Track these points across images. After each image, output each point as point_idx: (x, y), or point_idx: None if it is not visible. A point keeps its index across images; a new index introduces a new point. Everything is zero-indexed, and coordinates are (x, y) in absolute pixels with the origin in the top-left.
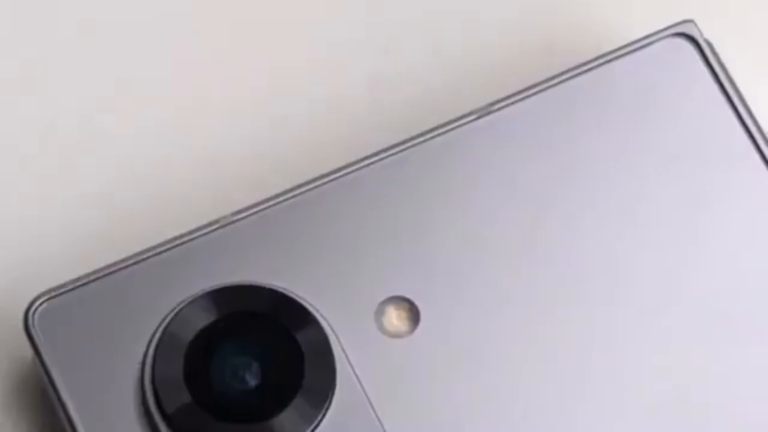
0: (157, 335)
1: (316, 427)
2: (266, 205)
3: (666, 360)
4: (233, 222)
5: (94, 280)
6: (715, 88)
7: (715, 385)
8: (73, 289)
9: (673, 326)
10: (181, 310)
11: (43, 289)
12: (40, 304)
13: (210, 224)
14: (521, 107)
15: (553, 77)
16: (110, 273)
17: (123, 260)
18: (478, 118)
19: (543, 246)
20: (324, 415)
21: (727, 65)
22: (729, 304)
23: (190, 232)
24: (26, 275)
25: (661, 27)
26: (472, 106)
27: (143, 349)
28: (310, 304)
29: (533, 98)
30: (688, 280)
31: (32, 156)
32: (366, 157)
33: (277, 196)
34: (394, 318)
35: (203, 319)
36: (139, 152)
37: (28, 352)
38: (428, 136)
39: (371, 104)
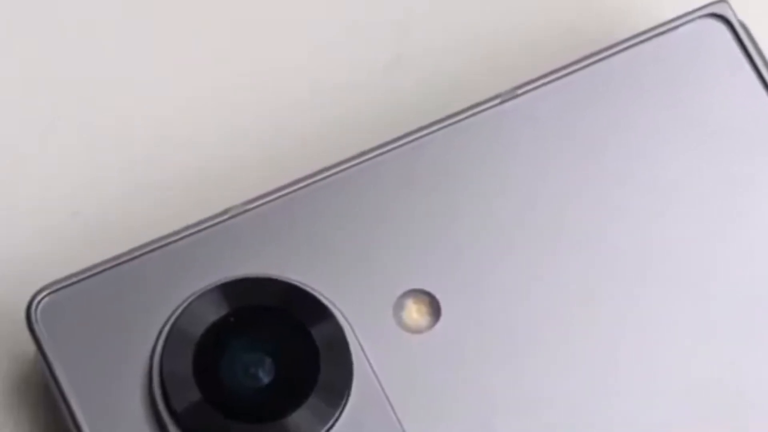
0: (166, 330)
1: (331, 426)
2: (280, 193)
3: (701, 348)
4: (245, 212)
5: (99, 273)
6: (749, 70)
7: (751, 372)
8: (77, 281)
9: (709, 312)
10: (190, 303)
11: (45, 281)
12: (43, 298)
13: (220, 214)
14: (548, 91)
15: (582, 59)
16: (116, 265)
17: (129, 252)
18: (503, 102)
19: (572, 234)
20: (340, 414)
21: (762, 47)
22: (766, 287)
23: (200, 223)
24: (28, 267)
25: (694, 7)
26: (496, 90)
27: (151, 344)
28: (326, 298)
29: (561, 81)
30: (724, 265)
31: (33, 148)
32: (385, 144)
33: (291, 184)
34: (414, 312)
35: (214, 313)
36: (146, 143)
37: (30, 348)
38: (450, 121)
39: (390, 88)
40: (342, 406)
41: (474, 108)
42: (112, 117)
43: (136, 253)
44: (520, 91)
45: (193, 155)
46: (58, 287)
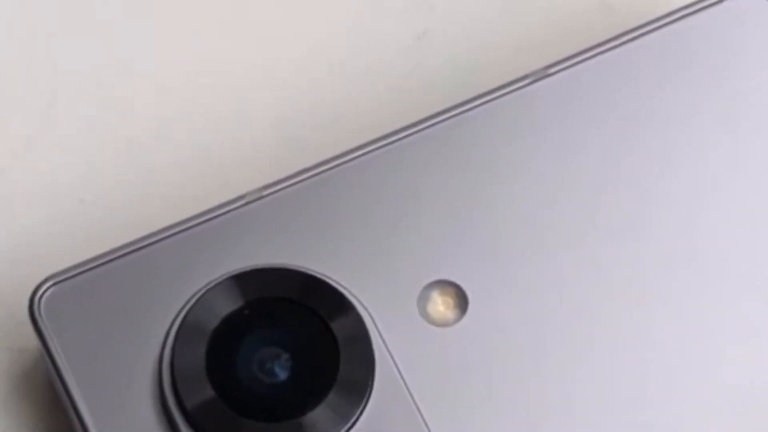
0: (177, 323)
1: (352, 425)
2: (298, 178)
3: (742, 349)
4: (262, 197)
5: (106, 263)
6: None
7: None
8: (83, 272)
9: (753, 311)
10: (203, 295)
11: (50, 272)
12: (47, 289)
13: (235, 200)
14: (580, 70)
15: (617, 37)
16: (124, 255)
17: (138, 240)
18: (533, 82)
19: (607, 222)
20: (361, 413)
21: None
22: None
23: (213, 209)
24: (31, 257)
25: None
26: (525, 69)
27: (161, 338)
28: (347, 289)
29: (595, 60)
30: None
31: (37, 133)
32: (409, 126)
33: (311, 168)
34: (440, 304)
35: (227, 305)
36: (155, 126)
37: (32, 343)
38: (477, 102)
39: (414, 67)
40: (363, 403)
41: (502, 88)
42: (118, 100)
43: (146, 242)
44: (551, 71)
45: (206, 139)
46: (63, 278)
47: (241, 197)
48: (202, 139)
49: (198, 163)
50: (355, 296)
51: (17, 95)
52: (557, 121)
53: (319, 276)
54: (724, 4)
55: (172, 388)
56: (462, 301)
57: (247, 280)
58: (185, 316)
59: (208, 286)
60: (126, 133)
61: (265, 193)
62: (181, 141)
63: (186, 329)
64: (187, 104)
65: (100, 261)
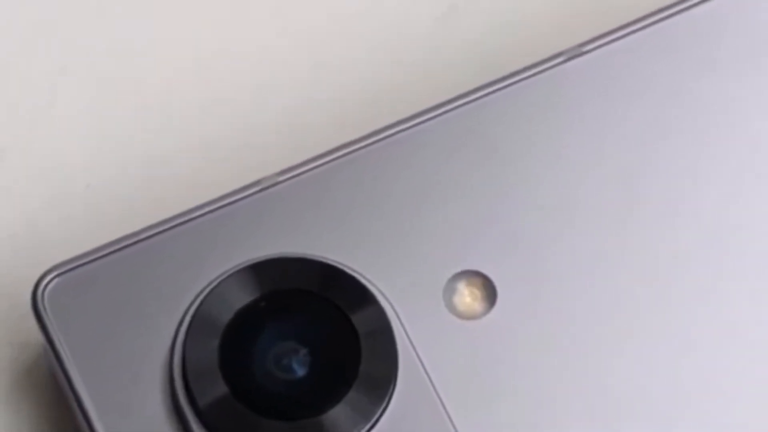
0: (189, 316)
1: (374, 424)
2: (317, 163)
3: None
4: (278, 183)
5: (114, 252)
6: None
7: None
8: (89, 262)
9: None
10: (216, 286)
11: (54, 261)
12: (51, 280)
13: (250, 186)
14: (617, 48)
15: (654, 13)
16: (133, 243)
17: (148, 228)
18: (567, 60)
19: (642, 208)
20: (383, 411)
21: None
22: None
23: (227, 195)
24: (34, 245)
25: None
26: (559, 47)
27: (172, 332)
28: (368, 280)
29: (631, 38)
30: None
31: (41, 115)
32: (435, 107)
33: (330, 152)
34: (467, 296)
35: (242, 297)
36: (165, 107)
37: (36, 337)
38: (507, 82)
39: (442, 44)
40: (385, 401)
41: (534, 67)
42: (126, 80)
43: (156, 230)
44: (585, 49)
45: (220, 122)
46: (68, 268)
47: (256, 183)
48: (214, 122)
49: (210, 147)
50: (377, 287)
51: (20, 73)
52: (590, 103)
53: (338, 266)
54: None
55: (184, 385)
56: (490, 293)
57: (262, 271)
58: (197, 309)
59: (222, 277)
60: (135, 115)
61: (281, 178)
62: (192, 125)
63: (198, 323)
64: (198, 87)
65: (108, 250)
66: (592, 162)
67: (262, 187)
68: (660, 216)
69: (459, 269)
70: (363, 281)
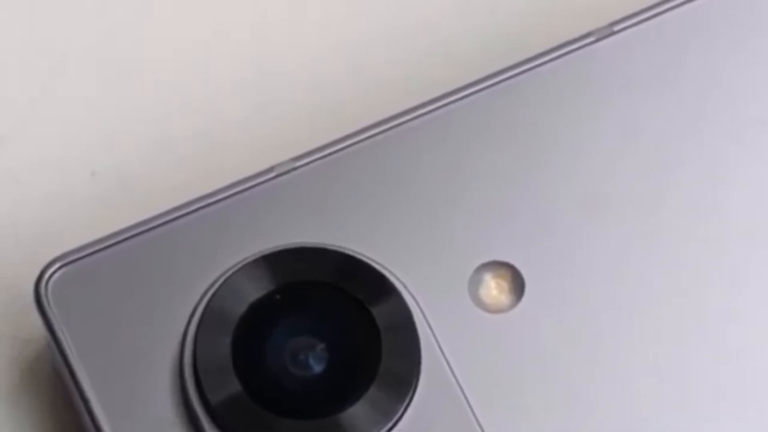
0: (200, 310)
1: (395, 423)
2: (334, 148)
3: None
4: (293, 170)
5: (120, 242)
6: None
7: None
8: (95, 252)
9: None
10: (229, 278)
11: (58, 252)
12: (55, 271)
13: (264, 173)
14: (649, 28)
15: None
16: (140, 233)
17: (156, 217)
18: (597, 40)
19: (675, 195)
20: (405, 409)
21: None
22: None
23: (239, 182)
24: (37, 235)
25: None
26: (589, 27)
27: (182, 327)
28: (390, 271)
29: (664, 17)
30: None
31: (44, 93)
32: (458, 90)
33: (348, 137)
34: (493, 288)
35: (256, 289)
36: (174, 90)
37: (39, 331)
38: (535, 63)
39: (464, 24)
40: (407, 399)
41: (563, 47)
42: (132, 62)
43: (164, 219)
44: (616, 29)
45: (230, 106)
46: (72, 259)
47: (270, 169)
48: (224, 106)
49: (221, 132)
50: (398, 279)
51: (22, 56)
52: (621, 83)
53: (357, 256)
54: None
55: (195, 382)
56: (518, 285)
57: (277, 262)
58: (209, 302)
59: (234, 269)
60: (141, 99)
61: (297, 164)
62: (201, 108)
63: (210, 316)
64: (207, 69)
65: (114, 240)
66: (625, 147)
67: (277, 173)
68: (695, 205)
69: (485, 260)
70: (384, 272)
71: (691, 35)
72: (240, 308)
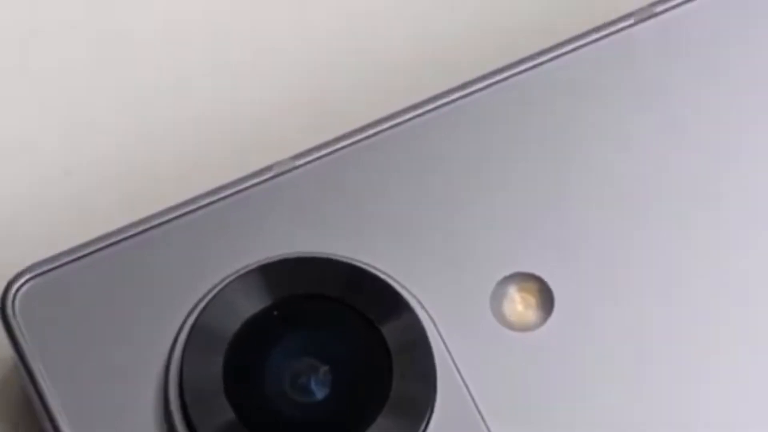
0: (187, 327)
1: None
2: (339, 145)
3: None
4: (294, 169)
5: (97, 251)
6: None
7: None
8: (68, 262)
9: None
10: (220, 291)
11: (27, 262)
12: (23, 284)
13: (262, 172)
14: (693, 9)
15: None
16: (121, 240)
17: (138, 223)
18: (637, 23)
19: (718, 199)
20: None
21: None
22: None
23: (234, 183)
24: (4, 241)
25: None
26: (628, 8)
27: (168, 345)
28: (402, 285)
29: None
30: None
31: (11, 80)
32: (478, 79)
33: (353, 133)
34: (519, 303)
35: (251, 304)
36: (162, 76)
37: (5, 351)
38: (568, 47)
39: (490, 5)
40: (422, 426)
41: (600, 30)
42: (114, 42)
43: (148, 225)
44: (657, 10)
45: (224, 96)
46: (43, 270)
47: (268, 169)
48: (219, 96)
49: (213, 126)
50: (411, 293)
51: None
52: (663, 69)
53: (365, 267)
54: None
55: (181, 408)
56: (546, 300)
57: (275, 273)
58: (198, 318)
59: (227, 280)
60: (123, 87)
61: (297, 163)
62: (192, 99)
63: (199, 334)
64: (202, 54)
65: (90, 249)
66: (666, 142)
67: (275, 173)
68: (743, 204)
69: (509, 272)
70: (395, 285)
71: (735, 19)
72: (233, 325)
